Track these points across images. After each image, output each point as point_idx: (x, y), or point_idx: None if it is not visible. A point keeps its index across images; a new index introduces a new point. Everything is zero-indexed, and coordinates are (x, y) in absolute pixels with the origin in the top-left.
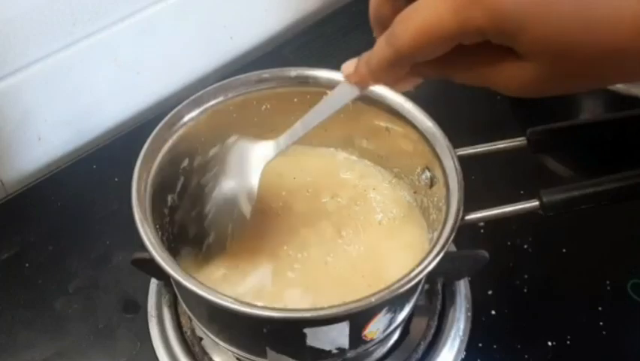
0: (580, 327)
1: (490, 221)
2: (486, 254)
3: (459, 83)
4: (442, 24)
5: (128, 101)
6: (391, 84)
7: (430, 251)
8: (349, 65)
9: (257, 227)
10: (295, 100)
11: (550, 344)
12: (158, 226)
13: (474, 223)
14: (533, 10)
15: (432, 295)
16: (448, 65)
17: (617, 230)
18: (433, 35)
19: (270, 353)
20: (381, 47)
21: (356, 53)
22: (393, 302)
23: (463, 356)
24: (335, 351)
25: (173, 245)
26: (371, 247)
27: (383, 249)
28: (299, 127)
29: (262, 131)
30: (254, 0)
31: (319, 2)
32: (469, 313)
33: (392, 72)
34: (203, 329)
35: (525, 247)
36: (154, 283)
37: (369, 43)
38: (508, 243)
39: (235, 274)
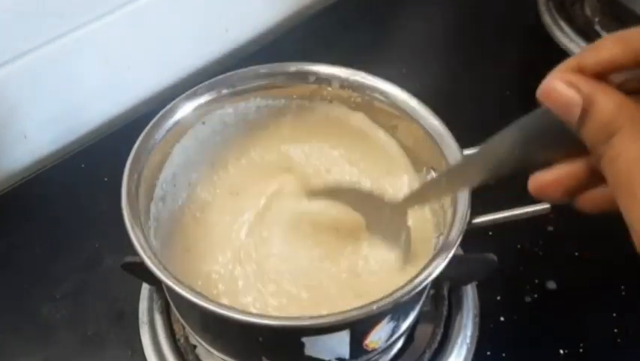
0: (593, 334)
1: (498, 224)
2: (494, 258)
3: None
4: None
5: (118, 97)
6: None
7: (436, 256)
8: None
9: None
10: (294, 96)
11: (562, 352)
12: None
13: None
14: None
15: (438, 300)
16: None
17: None
18: None
19: None
20: None
21: (357, 46)
22: (397, 310)
23: None
24: None
25: None
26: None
27: None
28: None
29: (258, 130)
30: None
31: None
32: (477, 320)
33: None
34: (197, 337)
35: (535, 250)
36: (145, 288)
37: (370, 37)
38: (518, 246)
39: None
